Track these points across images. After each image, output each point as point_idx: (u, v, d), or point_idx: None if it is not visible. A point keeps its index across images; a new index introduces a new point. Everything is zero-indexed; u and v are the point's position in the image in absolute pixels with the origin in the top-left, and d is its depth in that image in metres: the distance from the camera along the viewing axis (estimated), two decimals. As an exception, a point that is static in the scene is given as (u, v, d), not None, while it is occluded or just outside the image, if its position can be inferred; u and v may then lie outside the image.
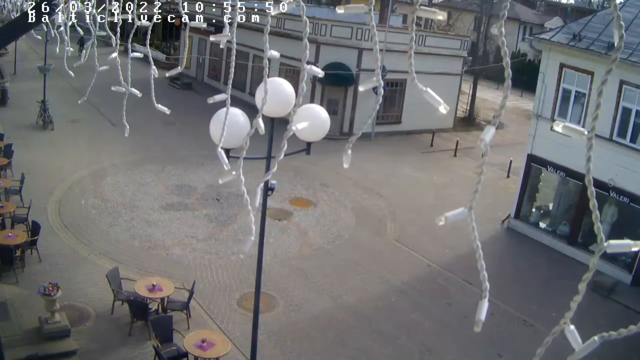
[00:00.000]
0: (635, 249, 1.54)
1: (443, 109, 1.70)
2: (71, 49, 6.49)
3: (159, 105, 3.51)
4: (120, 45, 4.13)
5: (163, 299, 12.55)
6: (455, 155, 28.33)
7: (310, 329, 13.25)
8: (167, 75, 3.65)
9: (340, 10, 1.95)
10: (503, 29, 1.54)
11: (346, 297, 14.76)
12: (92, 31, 5.20)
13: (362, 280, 15.68)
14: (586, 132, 1.54)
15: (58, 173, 20.20)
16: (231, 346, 11.34)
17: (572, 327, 1.54)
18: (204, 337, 10.99)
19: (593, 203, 1.52)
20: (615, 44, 1.48)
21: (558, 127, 1.61)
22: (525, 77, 40.29)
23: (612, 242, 1.49)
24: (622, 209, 17.65)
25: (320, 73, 2.47)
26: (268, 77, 2.36)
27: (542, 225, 20.02)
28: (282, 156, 2.18)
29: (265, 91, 2.40)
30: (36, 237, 14.40)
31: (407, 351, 12.89)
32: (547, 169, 19.44)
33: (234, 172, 2.37)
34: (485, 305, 1.57)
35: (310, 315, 13.81)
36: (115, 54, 3.88)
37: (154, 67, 3.68)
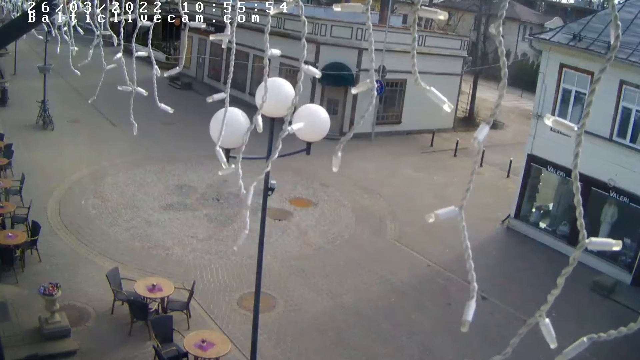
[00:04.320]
0: (616, 248, 1.54)
1: (447, 107, 1.70)
2: (76, 48, 6.50)
3: (162, 105, 3.50)
4: (119, 45, 4.13)
5: (163, 299, 12.55)
6: (455, 155, 28.34)
7: (310, 329, 13.25)
8: (165, 75, 3.65)
9: (337, 8, 1.95)
10: (501, 29, 1.54)
11: (346, 297, 14.75)
12: (95, 31, 5.19)
13: (362, 280, 15.68)
14: (576, 128, 1.54)
15: (58, 173, 20.20)
16: (231, 346, 11.33)
17: (547, 320, 1.54)
18: (204, 337, 10.99)
19: (577, 199, 1.52)
20: (611, 43, 1.49)
21: (549, 120, 1.61)
22: (526, 76, 40.33)
23: (593, 239, 1.50)
24: (622, 209, 17.65)
25: (317, 74, 2.47)
26: (268, 77, 2.37)
27: (542, 225, 20.02)
28: (276, 156, 2.17)
29: (265, 89, 2.41)
30: (36, 237, 14.40)
31: (407, 351, 12.89)
32: (547, 169, 19.45)
33: (232, 166, 2.39)
34: (472, 306, 1.57)
35: (310, 315, 13.81)
36: (119, 54, 3.88)
37: (156, 66, 3.68)
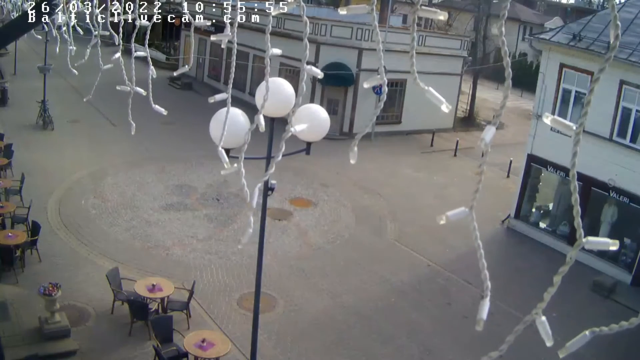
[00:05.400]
0: (613, 247, 1.55)
1: (445, 107, 1.70)
2: (74, 47, 6.50)
3: (156, 106, 3.52)
4: (119, 45, 4.13)
5: (163, 299, 12.55)
6: (455, 155, 28.33)
7: (310, 329, 13.25)
8: (174, 74, 3.70)
9: (342, 11, 1.96)
10: (503, 29, 1.55)
11: (346, 297, 14.75)
12: (94, 31, 5.19)
13: (362, 280, 15.68)
14: (574, 127, 1.55)
15: (58, 173, 20.20)
16: (231, 346, 11.34)
17: (543, 318, 1.56)
18: (204, 337, 10.99)
19: (575, 198, 1.53)
20: (611, 43, 1.49)
21: (547, 119, 1.62)
22: (526, 77, 40.34)
23: (590, 238, 1.51)
24: (622, 209, 17.65)
25: (319, 74, 2.48)
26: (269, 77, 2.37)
27: (542, 225, 20.02)
28: (280, 157, 2.19)
29: (267, 89, 2.41)
30: (36, 237, 14.40)
31: (407, 351, 12.89)
32: (547, 169, 19.45)
33: (234, 165, 2.41)
34: (486, 305, 1.58)
35: (310, 315, 13.81)
36: (118, 54, 3.88)
37: (152, 67, 3.69)
